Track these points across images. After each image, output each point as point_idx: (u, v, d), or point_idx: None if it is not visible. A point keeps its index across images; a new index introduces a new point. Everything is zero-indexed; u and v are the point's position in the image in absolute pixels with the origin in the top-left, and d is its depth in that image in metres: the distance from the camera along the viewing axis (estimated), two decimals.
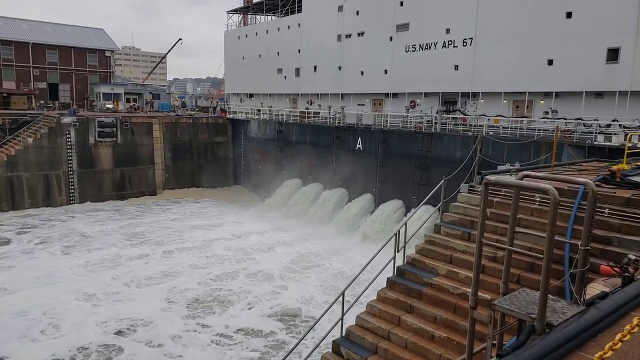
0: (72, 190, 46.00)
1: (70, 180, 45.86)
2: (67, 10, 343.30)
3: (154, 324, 23.57)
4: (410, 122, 39.43)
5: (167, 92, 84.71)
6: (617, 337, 3.79)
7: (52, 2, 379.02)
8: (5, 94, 56.33)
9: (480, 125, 34.93)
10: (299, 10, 56.98)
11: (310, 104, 55.52)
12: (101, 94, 66.71)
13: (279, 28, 60.53)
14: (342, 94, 51.30)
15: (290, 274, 30.35)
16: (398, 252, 11.20)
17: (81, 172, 46.56)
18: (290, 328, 23.61)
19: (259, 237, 37.94)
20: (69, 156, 45.66)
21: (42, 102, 62.21)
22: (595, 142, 26.64)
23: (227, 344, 22.14)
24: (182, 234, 38.88)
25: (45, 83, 66.65)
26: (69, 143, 45.64)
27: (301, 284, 28.63)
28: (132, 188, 49.86)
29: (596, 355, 3.77)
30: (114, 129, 48.38)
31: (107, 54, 72.38)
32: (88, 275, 29.79)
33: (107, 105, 63.06)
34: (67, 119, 46.01)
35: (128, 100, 69.22)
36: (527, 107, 36.28)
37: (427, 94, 42.49)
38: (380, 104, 48.17)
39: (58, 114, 49.16)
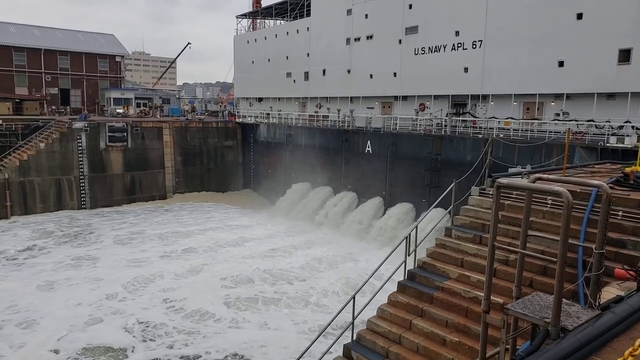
0: (83, 195, 46.35)
1: (81, 184, 46.21)
2: (82, 18, 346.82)
3: None
4: (420, 124, 39.31)
5: (177, 96, 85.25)
6: (638, 342, 3.71)
7: (67, 11, 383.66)
8: (18, 100, 56.94)
9: (490, 128, 34.76)
10: (308, 14, 57.11)
11: (320, 108, 55.57)
12: (112, 99, 67.37)
13: (288, 32, 60.71)
14: (351, 97, 51.29)
15: (298, 278, 30.13)
16: (409, 255, 11.14)
17: (92, 177, 46.90)
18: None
19: (267, 241, 37.88)
20: (80, 161, 46.02)
21: (53, 107, 62.89)
22: (608, 144, 26.39)
23: None
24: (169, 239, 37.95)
25: (56, 88, 67.39)
26: (80, 148, 46.01)
27: (309, 288, 28.41)
28: (143, 192, 50.14)
29: None
30: (125, 134, 48.71)
31: (118, 59, 73.04)
32: None
33: (118, 110, 63.64)
34: (78, 124, 46.39)
35: (138, 105, 69.77)
36: (538, 109, 36.03)
37: (436, 97, 42.36)
38: (389, 107, 48.09)
39: (69, 119, 49.64)
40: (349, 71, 51.15)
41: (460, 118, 38.26)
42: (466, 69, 39.40)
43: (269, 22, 72.60)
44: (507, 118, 35.41)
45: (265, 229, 41.42)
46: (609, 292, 6.68)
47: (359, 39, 49.72)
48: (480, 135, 33.60)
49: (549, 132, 30.80)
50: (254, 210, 49.54)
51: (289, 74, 60.41)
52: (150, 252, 34.74)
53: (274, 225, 42.67)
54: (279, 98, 63.08)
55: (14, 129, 47.12)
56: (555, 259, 5.28)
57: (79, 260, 32.97)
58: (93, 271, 30.69)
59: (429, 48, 42.37)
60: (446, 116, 37.06)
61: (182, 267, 31.53)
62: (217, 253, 34.90)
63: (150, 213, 46.30)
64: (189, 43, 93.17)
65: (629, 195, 10.12)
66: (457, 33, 39.84)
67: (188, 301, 25.98)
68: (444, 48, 41.09)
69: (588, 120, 31.16)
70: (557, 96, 34.39)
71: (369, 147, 40.84)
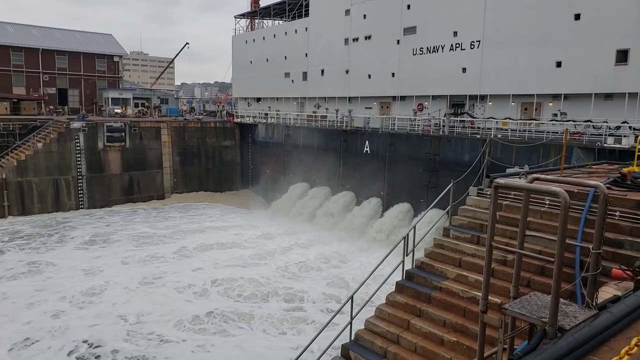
0: (81, 195, 46.26)
1: (79, 184, 46.13)
2: (82, 18, 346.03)
3: None
4: (418, 125, 39.34)
5: (175, 96, 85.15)
6: (633, 341, 3.74)
7: (67, 11, 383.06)
8: (16, 100, 56.85)
9: (488, 128, 34.80)
10: (306, 15, 57.12)
11: (318, 108, 55.58)
12: (110, 99, 67.29)
13: (286, 32, 60.72)
14: (349, 98, 51.30)
15: (295, 277, 30.04)
16: (407, 255, 11.17)
17: (90, 177, 46.82)
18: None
19: (265, 242, 37.79)
20: (78, 161, 45.94)
21: (51, 107, 62.74)
22: (605, 145, 26.42)
23: None
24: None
25: (54, 88, 67.24)
26: (78, 148, 45.93)
27: (306, 289, 28.22)
28: (141, 192, 50.08)
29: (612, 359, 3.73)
30: (123, 134, 48.64)
31: (116, 59, 72.92)
32: None
33: (116, 110, 63.56)
34: (76, 124, 46.31)
35: (136, 105, 69.69)
36: (536, 109, 36.09)
37: (434, 97, 42.40)
38: (387, 107, 48.12)
39: (67, 119, 49.55)
40: (347, 71, 51.16)
41: (459, 118, 38.29)
42: (464, 70, 39.45)
43: (268, 22, 72.59)
44: (505, 118, 35.46)
45: (259, 230, 41.04)
46: (606, 292, 6.70)
47: (357, 39, 49.75)
48: (478, 136, 33.62)
49: (547, 132, 30.85)
50: (251, 210, 49.50)
51: (287, 74, 60.41)
52: (114, 259, 32.24)
53: (267, 227, 42.15)
54: (277, 98, 63.07)
55: (11, 128, 47.04)
56: (552, 259, 5.30)
57: (32, 266, 30.49)
58: (42, 281, 28.01)
59: (427, 48, 42.42)
60: (444, 116, 37.10)
61: (147, 276, 29.02)
62: (197, 258, 33.22)
63: (138, 214, 45.73)
64: (187, 43, 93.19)
65: (626, 195, 10.16)
66: (455, 33, 39.90)
67: (146, 318, 23.18)
68: (442, 48, 41.14)
69: (586, 121, 31.21)
70: (555, 96, 34.46)
71: (367, 147, 40.86)
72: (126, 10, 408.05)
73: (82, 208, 46.06)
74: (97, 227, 40.35)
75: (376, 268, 11.01)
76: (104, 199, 47.64)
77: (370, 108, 49.28)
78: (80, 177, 46.19)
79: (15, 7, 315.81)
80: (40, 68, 65.62)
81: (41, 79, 65.90)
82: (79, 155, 45.98)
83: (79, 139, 45.98)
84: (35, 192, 43.75)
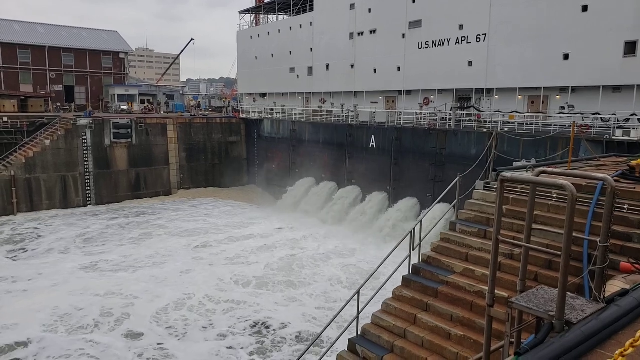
0: (89, 191, 46.53)
1: (86, 181, 46.39)
2: (92, 17, 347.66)
3: None
4: (424, 119, 39.21)
5: (181, 92, 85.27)
6: (638, 334, 3.71)
7: (78, 9, 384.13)
8: (23, 97, 57.16)
9: (495, 122, 34.63)
10: (311, 9, 56.98)
11: (323, 103, 55.50)
12: (116, 96, 67.48)
13: (291, 27, 60.62)
14: (355, 92, 51.19)
15: (301, 273, 30.12)
16: (413, 250, 11.14)
17: (97, 173, 47.07)
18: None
19: (270, 237, 37.89)
20: (85, 157, 46.17)
21: (58, 104, 63.08)
22: (614, 137, 26.22)
23: None
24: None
25: (61, 86, 67.59)
26: (85, 144, 46.16)
27: (313, 284, 28.41)
28: (148, 188, 50.29)
29: (616, 352, 3.69)
30: (129, 130, 48.81)
31: (122, 56, 73.14)
32: None
33: (122, 107, 63.77)
34: (83, 121, 46.53)
35: (142, 102, 69.88)
36: (543, 102, 35.87)
37: (440, 91, 42.23)
38: (393, 102, 47.98)
39: (74, 116, 49.76)
40: (352, 66, 51.03)
41: (465, 112, 38.11)
42: (470, 63, 39.23)
43: (272, 18, 72.51)
44: (512, 112, 35.27)
45: (266, 225, 41.28)
46: (614, 286, 6.65)
47: (362, 33, 49.58)
48: (484, 129, 33.45)
49: (554, 125, 30.66)
50: (258, 205, 49.60)
51: (292, 69, 60.36)
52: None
53: (274, 222, 42.25)
54: (283, 93, 63.06)
55: (19, 126, 47.33)
56: (559, 253, 5.26)
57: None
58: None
59: (433, 42, 42.22)
60: (450, 110, 36.94)
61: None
62: (206, 252, 34.23)
63: (123, 211, 45.28)
64: (192, 39, 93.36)
65: (634, 188, 10.06)
66: (461, 27, 39.67)
67: None
68: (448, 42, 40.93)
69: (594, 113, 30.99)
70: (563, 89, 34.22)
71: (373, 142, 40.76)
72: (135, 7, 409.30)
73: (89, 204, 46.35)
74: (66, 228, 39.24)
75: (382, 262, 10.99)
76: (111, 195, 47.88)
77: (376, 102, 49.16)
78: (88, 174, 46.44)
79: (23, 5, 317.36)
80: (47, 65, 65.95)
81: (48, 76, 66.23)
82: (86, 152, 46.21)
83: (86, 135, 46.20)
84: (43, 188, 44.03)
